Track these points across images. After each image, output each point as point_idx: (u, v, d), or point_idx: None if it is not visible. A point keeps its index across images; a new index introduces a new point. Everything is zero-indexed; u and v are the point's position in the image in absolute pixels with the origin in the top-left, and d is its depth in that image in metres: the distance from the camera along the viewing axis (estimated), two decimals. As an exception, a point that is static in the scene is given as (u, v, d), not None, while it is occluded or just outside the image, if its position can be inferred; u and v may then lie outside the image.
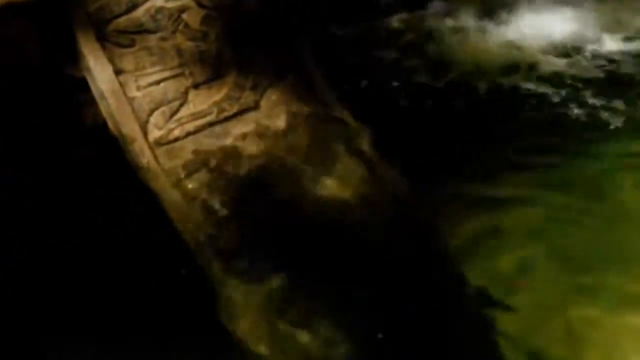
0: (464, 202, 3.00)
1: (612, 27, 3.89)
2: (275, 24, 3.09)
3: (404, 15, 4.03)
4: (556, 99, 3.52)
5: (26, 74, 2.81)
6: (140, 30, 2.88)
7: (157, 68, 2.86)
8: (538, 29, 3.95)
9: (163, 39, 2.90)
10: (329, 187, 2.82)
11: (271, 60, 3.02)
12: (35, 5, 2.77)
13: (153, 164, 2.75)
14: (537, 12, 4.04)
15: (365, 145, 2.97)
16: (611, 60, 3.74)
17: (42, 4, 2.78)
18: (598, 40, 3.84)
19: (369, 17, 4.00)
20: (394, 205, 2.82)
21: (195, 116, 2.86)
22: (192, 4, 2.98)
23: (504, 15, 4.03)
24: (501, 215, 2.92)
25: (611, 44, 3.80)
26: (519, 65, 3.78)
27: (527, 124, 3.46)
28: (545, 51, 3.82)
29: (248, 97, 2.95)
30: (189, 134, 2.83)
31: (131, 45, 2.85)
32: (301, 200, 2.77)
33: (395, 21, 4.00)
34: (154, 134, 2.80)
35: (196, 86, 2.90)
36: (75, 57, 2.79)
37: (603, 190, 3.00)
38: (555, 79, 3.66)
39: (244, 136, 2.88)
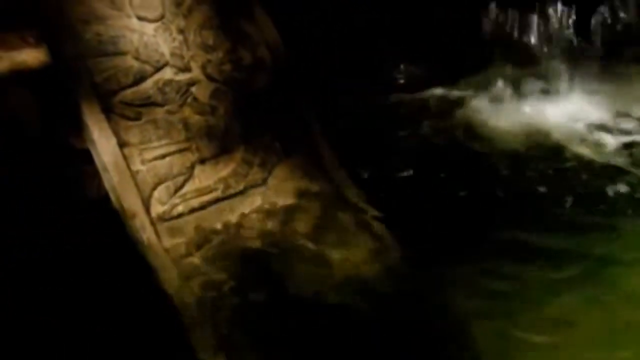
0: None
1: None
2: (285, 98, 3.04)
3: (420, 93, 4.04)
4: (577, 187, 3.46)
5: (23, 144, 2.76)
6: (148, 102, 2.82)
7: (163, 142, 2.80)
8: (557, 112, 3.93)
9: (170, 112, 2.85)
10: (334, 267, 2.74)
11: (280, 135, 2.98)
12: (39, 73, 2.73)
13: (154, 240, 2.67)
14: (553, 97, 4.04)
15: (372, 223, 2.90)
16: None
17: (46, 73, 2.73)
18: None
19: (382, 93, 4.00)
20: (399, 283, 2.74)
21: (200, 192, 2.80)
22: (202, 77, 2.93)
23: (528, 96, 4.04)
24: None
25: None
26: (538, 148, 3.73)
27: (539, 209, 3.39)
28: (567, 135, 3.78)
29: (256, 174, 2.90)
30: (193, 210, 2.77)
31: (137, 117, 2.79)
32: (304, 282, 2.68)
33: (410, 98, 4.00)
34: (157, 209, 2.73)
35: (202, 161, 2.84)
36: (78, 128, 2.73)
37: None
38: (576, 165, 3.61)
39: (249, 213, 2.82)
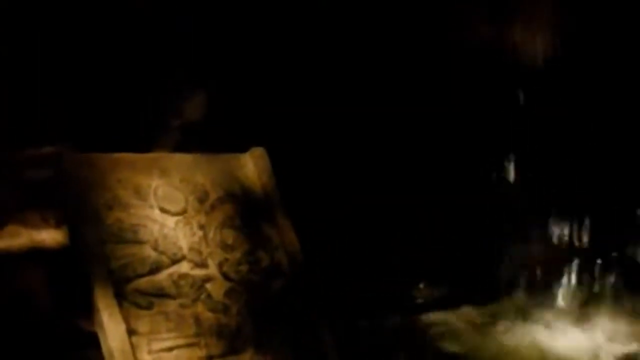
0: None
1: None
2: (298, 304, 3.02)
3: (438, 314, 4.01)
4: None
5: (30, 322, 2.73)
6: (161, 293, 2.80)
7: (172, 334, 2.76)
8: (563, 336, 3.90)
9: (183, 306, 2.82)
10: None
11: (290, 341, 2.94)
12: (56, 254, 2.74)
13: None
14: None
15: None
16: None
17: (63, 254, 2.74)
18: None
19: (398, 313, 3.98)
20: None
21: (204, 388, 2.73)
22: (218, 275, 2.93)
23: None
24: None
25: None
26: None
27: None
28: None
29: (261, 381, 2.83)
30: (195, 405, 2.70)
31: (149, 307, 2.76)
32: None
33: (427, 320, 3.97)
34: (159, 401, 2.66)
35: (210, 358, 2.78)
36: (89, 311, 2.71)
37: None
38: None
39: (249, 417, 2.75)
